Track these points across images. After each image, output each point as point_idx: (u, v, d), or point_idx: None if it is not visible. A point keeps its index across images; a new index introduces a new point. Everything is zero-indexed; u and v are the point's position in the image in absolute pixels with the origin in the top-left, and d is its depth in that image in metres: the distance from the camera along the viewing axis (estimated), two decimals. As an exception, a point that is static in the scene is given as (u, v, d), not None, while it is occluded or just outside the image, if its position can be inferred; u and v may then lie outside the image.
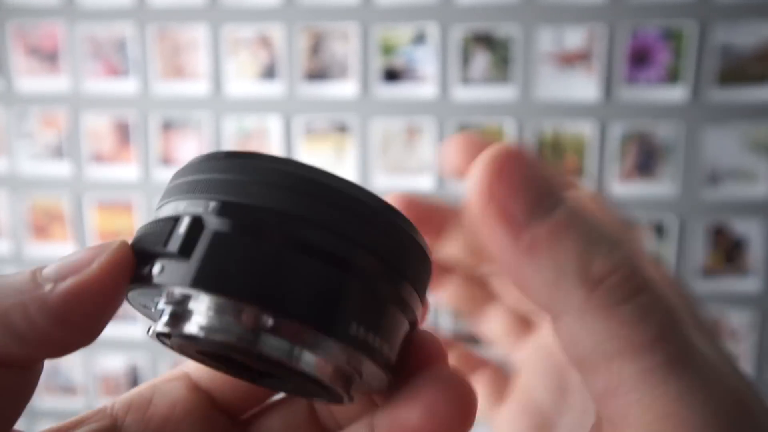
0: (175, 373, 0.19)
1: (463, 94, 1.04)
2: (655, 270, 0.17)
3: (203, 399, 0.18)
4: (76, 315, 0.13)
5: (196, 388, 0.18)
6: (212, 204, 0.13)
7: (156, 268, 0.13)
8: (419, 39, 1.05)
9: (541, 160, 0.13)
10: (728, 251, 1.03)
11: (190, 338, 0.14)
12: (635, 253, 0.13)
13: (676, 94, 1.00)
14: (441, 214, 0.23)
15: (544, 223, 0.13)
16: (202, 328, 0.13)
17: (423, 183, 1.07)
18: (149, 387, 0.18)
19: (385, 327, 0.14)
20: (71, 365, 1.22)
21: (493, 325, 0.24)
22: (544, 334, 0.22)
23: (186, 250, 0.13)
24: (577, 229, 0.13)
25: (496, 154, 0.13)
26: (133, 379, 1.21)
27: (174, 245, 0.13)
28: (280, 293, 0.13)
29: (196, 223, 0.13)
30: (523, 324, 0.24)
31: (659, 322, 0.12)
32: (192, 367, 0.19)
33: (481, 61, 1.04)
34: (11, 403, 0.14)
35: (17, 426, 0.15)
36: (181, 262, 0.13)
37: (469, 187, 0.13)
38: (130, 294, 0.15)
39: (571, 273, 0.13)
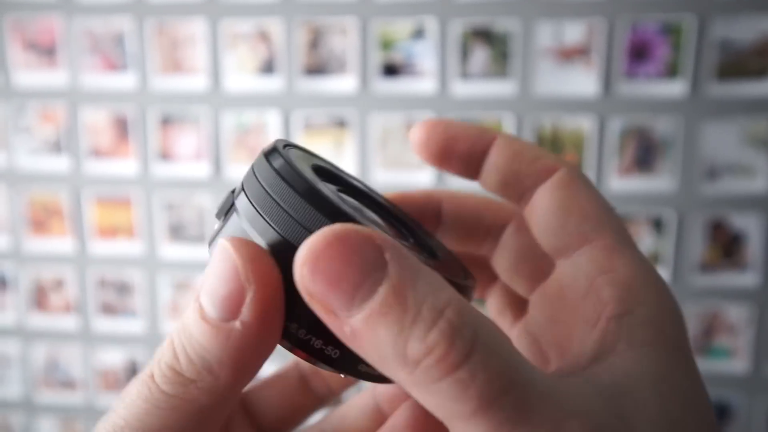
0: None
1: (462, 88, 1.04)
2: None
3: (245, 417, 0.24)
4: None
5: (243, 409, 0.24)
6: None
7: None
8: (418, 34, 1.04)
9: (364, 235, 0.14)
10: (726, 246, 1.03)
11: None
12: (459, 318, 0.13)
13: (675, 88, 1.00)
14: (434, 204, 0.24)
15: (360, 313, 0.13)
16: None
17: (422, 178, 1.07)
18: None
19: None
20: (70, 360, 1.22)
21: (491, 306, 0.25)
22: (530, 319, 0.22)
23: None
24: (394, 312, 0.13)
25: (310, 246, 0.14)
26: (133, 374, 1.21)
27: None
28: None
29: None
30: (518, 305, 0.24)
31: (479, 394, 0.13)
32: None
33: (480, 55, 1.04)
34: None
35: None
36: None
37: (295, 276, 0.14)
38: None
39: (390, 359, 0.13)
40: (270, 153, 0.17)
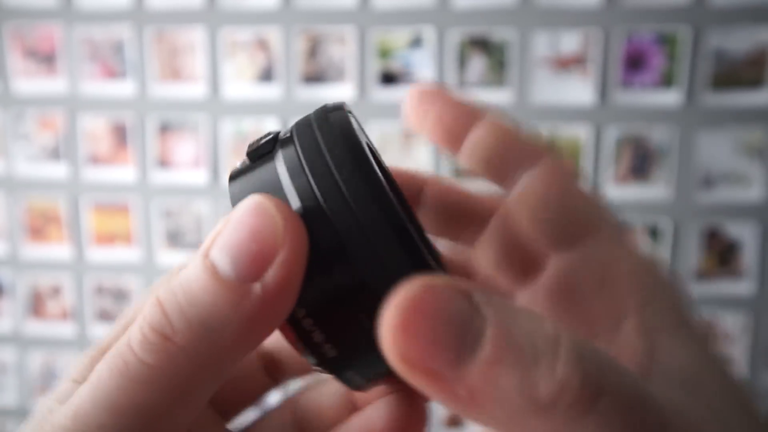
0: None
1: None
2: (638, 266, 0.18)
3: None
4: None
5: None
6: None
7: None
8: (416, 43, 1.05)
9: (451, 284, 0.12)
10: (722, 254, 1.03)
11: None
12: (577, 344, 0.12)
13: (671, 98, 1.01)
14: (417, 184, 0.22)
15: (474, 367, 0.12)
16: None
17: (419, 186, 1.07)
18: None
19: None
20: (66, 367, 1.22)
21: (484, 257, 0.21)
22: (553, 277, 0.19)
23: None
24: (510, 354, 0.12)
25: (398, 308, 0.12)
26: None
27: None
28: None
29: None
30: (525, 261, 0.20)
31: (626, 425, 0.12)
32: None
33: (477, 64, 1.04)
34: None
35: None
36: None
37: (383, 345, 0.12)
38: None
39: (522, 408, 0.12)
40: (339, 120, 0.15)
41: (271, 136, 0.15)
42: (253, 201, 0.13)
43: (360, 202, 0.14)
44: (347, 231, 0.14)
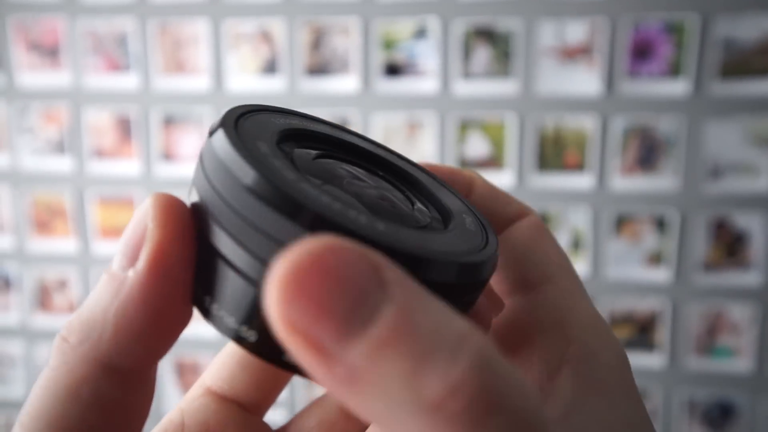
0: (196, 390, 0.20)
1: (464, 88, 1.04)
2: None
3: (231, 407, 0.20)
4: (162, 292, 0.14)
5: (221, 399, 0.20)
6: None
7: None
8: (420, 33, 1.04)
9: (353, 252, 0.11)
10: (730, 245, 1.03)
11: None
12: (486, 350, 0.11)
13: (678, 87, 1.00)
14: (465, 181, 0.22)
15: (360, 343, 0.10)
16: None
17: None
18: (177, 411, 0.19)
19: None
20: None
21: None
22: (502, 317, 0.20)
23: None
24: (404, 340, 0.10)
25: (290, 263, 0.10)
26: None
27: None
28: None
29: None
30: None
31: None
32: (210, 378, 0.20)
33: (482, 55, 1.04)
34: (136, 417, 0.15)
35: None
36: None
37: (267, 309, 0.11)
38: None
39: (402, 403, 0.10)
40: (213, 133, 0.15)
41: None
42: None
43: (222, 185, 0.14)
44: (221, 213, 0.14)
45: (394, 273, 0.11)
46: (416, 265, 0.13)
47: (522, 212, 0.21)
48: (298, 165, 0.16)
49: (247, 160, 0.13)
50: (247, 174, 0.13)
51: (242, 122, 0.16)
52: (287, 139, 0.17)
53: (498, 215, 0.21)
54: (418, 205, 0.18)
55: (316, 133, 0.18)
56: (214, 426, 0.18)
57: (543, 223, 0.21)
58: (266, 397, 0.20)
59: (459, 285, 0.14)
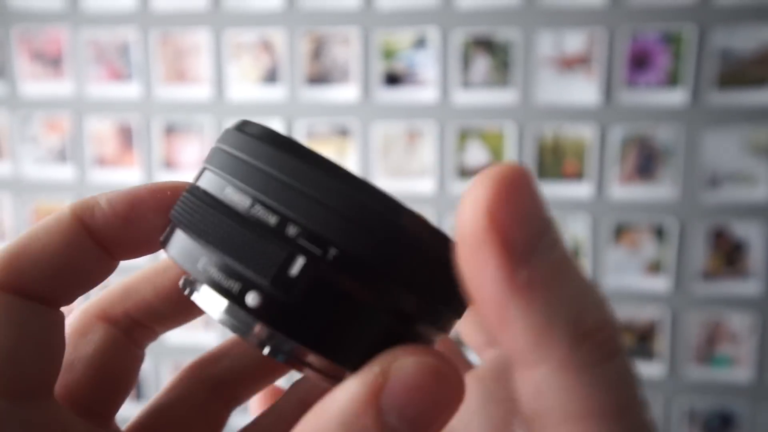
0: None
1: (464, 97, 1.05)
2: None
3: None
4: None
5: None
6: (332, 252, 0.13)
7: (251, 298, 0.13)
8: (420, 43, 1.05)
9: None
10: (728, 254, 1.03)
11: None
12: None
13: (676, 97, 1.00)
14: None
15: (545, 260, 0.12)
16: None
17: (423, 186, 1.07)
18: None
19: None
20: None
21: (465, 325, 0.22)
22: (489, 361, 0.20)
23: (295, 295, 0.13)
24: (572, 274, 0.12)
25: (503, 173, 0.12)
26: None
27: (283, 286, 0.13)
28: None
29: (310, 269, 0.13)
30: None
31: (628, 392, 0.12)
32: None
33: (482, 65, 1.04)
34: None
35: None
36: (283, 306, 0.13)
37: (465, 206, 0.12)
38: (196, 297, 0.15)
39: (563, 322, 0.12)
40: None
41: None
42: (432, 365, 0.12)
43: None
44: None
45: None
46: None
47: None
48: None
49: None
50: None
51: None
52: None
53: None
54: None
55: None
56: None
57: None
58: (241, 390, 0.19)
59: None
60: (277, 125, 1.10)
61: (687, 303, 1.04)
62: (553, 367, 0.12)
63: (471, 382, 0.19)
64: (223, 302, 0.14)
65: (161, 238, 0.16)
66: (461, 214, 0.12)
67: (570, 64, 1.02)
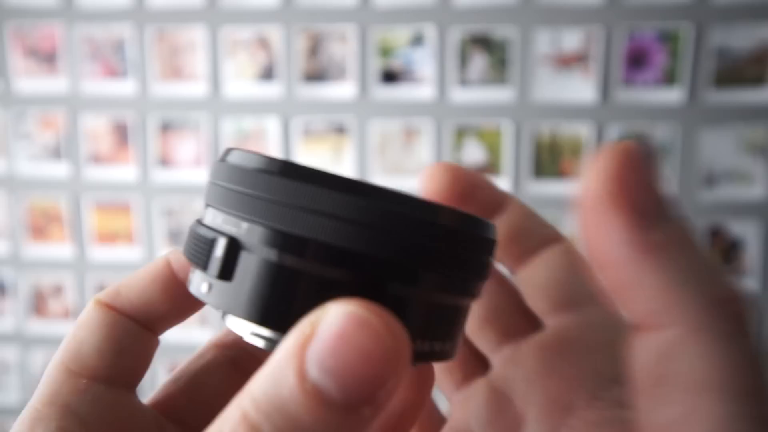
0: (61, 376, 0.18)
1: (461, 95, 1.05)
2: None
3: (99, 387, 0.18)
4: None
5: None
6: (245, 225, 0.14)
7: (204, 287, 0.15)
8: (417, 41, 1.05)
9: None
10: (725, 252, 1.03)
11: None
12: None
13: (673, 95, 1.00)
14: (486, 194, 0.21)
15: (675, 226, 0.12)
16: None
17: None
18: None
19: None
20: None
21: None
22: (499, 376, 0.20)
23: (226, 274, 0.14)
24: (699, 245, 0.12)
25: (632, 148, 0.12)
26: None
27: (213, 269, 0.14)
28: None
29: (232, 247, 0.14)
30: (474, 363, 0.21)
31: (760, 374, 0.12)
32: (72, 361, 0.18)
33: (479, 62, 1.04)
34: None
35: None
36: (225, 286, 0.14)
37: (591, 176, 0.12)
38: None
39: (697, 285, 0.12)
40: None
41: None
42: (358, 315, 0.11)
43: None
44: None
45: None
46: None
47: (556, 237, 0.21)
48: None
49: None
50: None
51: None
52: None
53: (531, 236, 0.20)
54: None
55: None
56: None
57: (572, 246, 0.20)
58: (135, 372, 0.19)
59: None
60: (274, 122, 1.10)
61: (683, 301, 1.05)
62: (687, 329, 0.12)
63: (530, 351, 0.19)
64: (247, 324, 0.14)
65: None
66: (588, 183, 0.12)
67: (567, 62, 1.02)
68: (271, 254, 0.13)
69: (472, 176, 0.20)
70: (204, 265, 0.14)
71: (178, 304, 0.18)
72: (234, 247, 0.14)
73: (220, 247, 0.14)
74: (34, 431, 0.16)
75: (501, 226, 0.20)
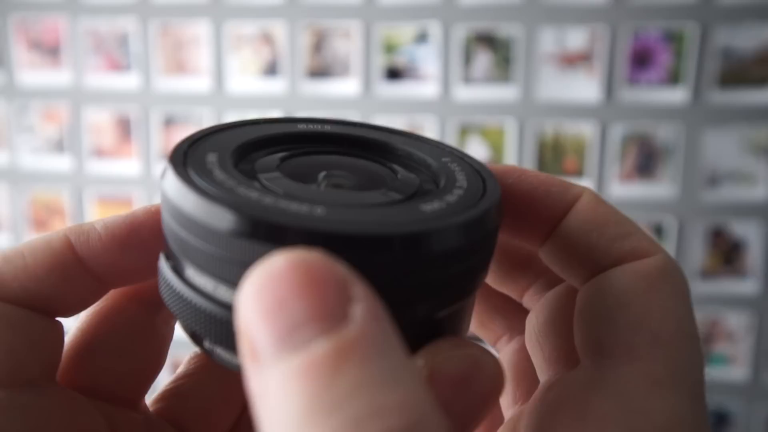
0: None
1: (465, 93, 1.05)
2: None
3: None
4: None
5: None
6: None
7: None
8: (421, 38, 1.05)
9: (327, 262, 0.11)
10: (727, 253, 1.03)
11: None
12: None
13: (677, 95, 1.00)
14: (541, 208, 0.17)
15: (279, 367, 0.10)
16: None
17: (423, 181, 1.07)
18: None
19: None
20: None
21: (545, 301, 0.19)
22: (583, 311, 0.16)
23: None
24: (308, 384, 0.09)
25: (263, 269, 0.10)
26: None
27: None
28: None
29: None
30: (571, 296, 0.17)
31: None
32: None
33: (483, 60, 1.04)
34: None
35: None
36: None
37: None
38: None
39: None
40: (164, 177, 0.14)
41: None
42: (473, 357, 0.13)
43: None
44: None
45: (367, 297, 0.11)
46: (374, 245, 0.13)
47: (641, 251, 0.15)
48: (260, 176, 0.15)
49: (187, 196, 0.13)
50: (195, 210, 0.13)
51: (192, 152, 0.15)
52: (247, 152, 0.17)
53: (601, 250, 0.15)
54: (403, 173, 0.17)
55: (280, 135, 0.17)
56: None
57: (672, 270, 0.15)
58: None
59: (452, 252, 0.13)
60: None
61: (684, 301, 1.05)
62: None
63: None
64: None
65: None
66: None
67: (571, 61, 1.02)
68: None
69: (528, 177, 0.18)
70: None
71: (83, 293, 0.16)
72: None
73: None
74: None
75: (558, 239, 0.16)
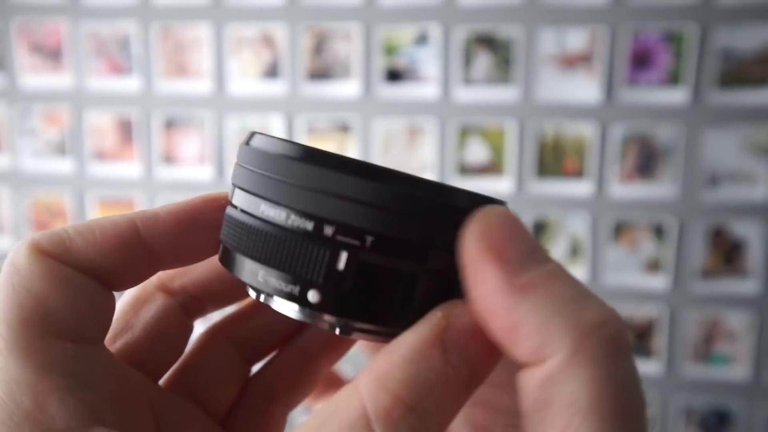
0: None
1: (465, 94, 1.05)
2: None
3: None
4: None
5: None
6: (369, 239, 0.15)
7: (312, 296, 0.15)
8: (421, 40, 1.05)
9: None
10: (727, 253, 1.03)
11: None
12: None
13: (677, 96, 1.00)
14: None
15: (540, 268, 0.13)
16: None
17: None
18: None
19: None
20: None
21: None
22: None
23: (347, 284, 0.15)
24: (568, 278, 0.13)
25: (491, 211, 0.14)
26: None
27: (334, 280, 0.15)
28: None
29: (354, 260, 0.15)
30: None
31: (635, 392, 0.13)
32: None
33: (483, 62, 1.04)
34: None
35: None
36: (339, 295, 0.15)
37: (464, 239, 0.14)
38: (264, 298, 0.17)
39: (566, 315, 0.13)
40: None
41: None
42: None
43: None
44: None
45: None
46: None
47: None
48: None
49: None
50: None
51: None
52: None
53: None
54: None
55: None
56: None
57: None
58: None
59: None
60: (278, 120, 1.10)
61: (685, 301, 1.05)
62: (565, 357, 0.12)
63: None
64: (293, 304, 0.16)
65: (219, 257, 0.18)
66: (464, 249, 0.14)
67: (571, 61, 1.02)
68: (390, 261, 0.15)
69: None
70: (307, 275, 0.15)
71: (140, 271, 0.18)
72: (354, 259, 0.15)
73: (342, 260, 0.15)
74: (45, 410, 0.14)
75: None
